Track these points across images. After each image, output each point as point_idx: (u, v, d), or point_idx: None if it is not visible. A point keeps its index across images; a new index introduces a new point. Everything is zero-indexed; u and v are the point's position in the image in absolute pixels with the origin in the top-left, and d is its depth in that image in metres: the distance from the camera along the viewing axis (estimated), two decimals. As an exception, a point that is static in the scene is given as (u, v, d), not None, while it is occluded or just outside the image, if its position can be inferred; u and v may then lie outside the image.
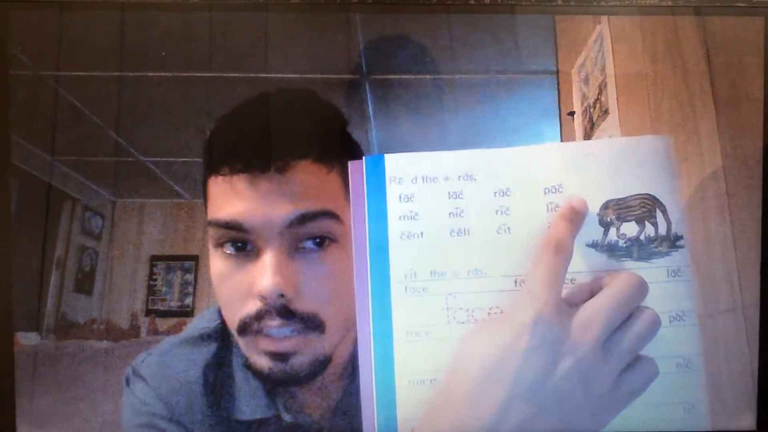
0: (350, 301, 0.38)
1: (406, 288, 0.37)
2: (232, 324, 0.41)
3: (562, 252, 0.34)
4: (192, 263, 0.49)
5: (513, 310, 0.32)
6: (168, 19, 0.50)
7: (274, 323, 0.39)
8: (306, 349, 0.40)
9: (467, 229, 0.37)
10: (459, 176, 0.38)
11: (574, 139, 0.51)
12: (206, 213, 0.43)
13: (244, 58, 0.50)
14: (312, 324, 0.40)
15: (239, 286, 0.40)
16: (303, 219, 0.39)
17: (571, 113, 0.51)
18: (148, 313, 0.49)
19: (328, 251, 0.40)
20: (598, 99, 0.50)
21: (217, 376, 0.43)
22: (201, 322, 0.46)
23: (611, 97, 0.49)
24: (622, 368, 0.33)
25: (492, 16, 0.50)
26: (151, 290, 0.49)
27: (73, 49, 0.50)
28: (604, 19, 0.50)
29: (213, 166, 0.42)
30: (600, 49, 0.50)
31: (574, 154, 0.39)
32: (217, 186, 0.42)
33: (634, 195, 0.38)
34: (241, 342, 0.41)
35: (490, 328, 0.33)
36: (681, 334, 0.37)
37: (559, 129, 0.50)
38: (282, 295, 0.39)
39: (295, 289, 0.39)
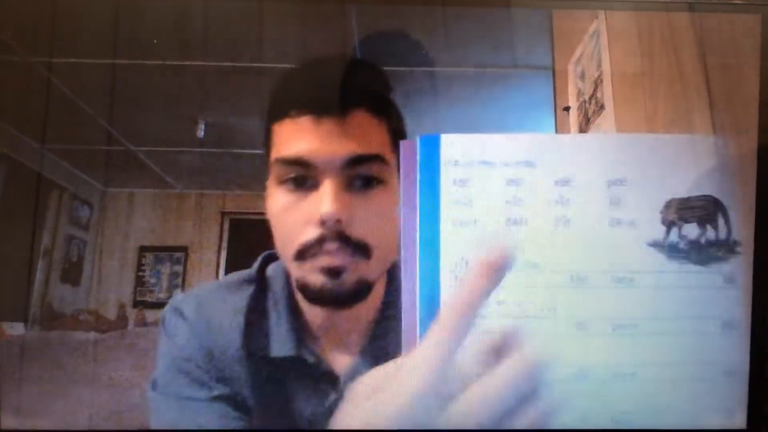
0: (391, 232, 0.43)
1: (456, 277, 0.35)
2: (290, 252, 0.44)
3: (464, 319, 0.31)
4: (181, 254, 0.48)
5: (398, 374, 0.31)
6: (162, 7, 0.50)
7: (332, 246, 0.43)
8: (354, 271, 0.44)
9: (524, 218, 0.36)
10: (518, 162, 0.36)
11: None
12: (269, 156, 0.46)
13: (239, 48, 0.50)
14: (361, 249, 0.44)
15: (300, 215, 0.44)
16: (359, 160, 0.44)
17: (567, 108, 0.51)
18: (136, 304, 0.48)
19: (376, 190, 0.45)
20: (593, 94, 0.50)
21: (252, 317, 0.46)
22: (237, 273, 0.48)
23: (607, 93, 0.49)
24: None
25: (488, 10, 0.49)
26: (139, 281, 0.48)
27: (64, 36, 0.50)
28: (601, 14, 0.50)
29: (280, 112, 0.45)
30: (596, 45, 0.50)
31: (639, 146, 0.37)
32: (283, 129, 0.45)
33: (698, 196, 0.37)
34: (295, 267, 0.44)
35: (378, 395, 0.32)
36: (731, 343, 0.37)
37: (554, 123, 0.50)
38: (339, 221, 0.43)
39: (349, 216, 0.43)
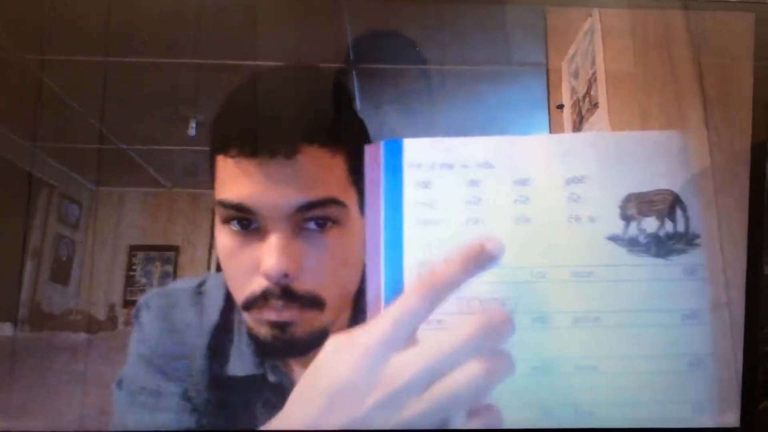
0: (348, 279, 0.41)
1: (419, 276, 0.36)
2: (237, 299, 0.43)
3: (434, 292, 0.31)
4: (172, 253, 0.48)
5: (360, 332, 0.31)
6: (153, 5, 0.49)
7: (277, 303, 0.41)
8: (305, 324, 0.42)
9: (484, 218, 0.37)
10: (478, 164, 0.37)
11: (562, 132, 0.51)
12: (214, 190, 0.44)
13: (231, 45, 0.49)
14: (311, 302, 0.41)
15: (245, 263, 0.42)
16: (309, 206, 0.41)
17: (560, 106, 0.51)
18: (126, 304, 0.48)
19: (330, 233, 0.42)
20: (587, 93, 0.50)
21: (216, 330, 0.44)
22: (213, 277, 0.47)
23: (601, 91, 0.49)
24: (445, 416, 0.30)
25: (482, 7, 0.49)
26: (129, 281, 0.48)
27: (54, 34, 0.49)
28: (595, 12, 0.50)
29: (222, 146, 0.43)
30: (590, 43, 0.50)
31: (597, 144, 0.38)
32: (226, 166, 0.42)
33: (656, 190, 0.38)
34: (245, 315, 0.43)
35: (342, 344, 0.32)
36: (693, 333, 0.37)
37: (548, 122, 0.50)
38: (286, 275, 0.41)
39: (298, 268, 0.41)
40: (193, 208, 0.50)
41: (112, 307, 0.48)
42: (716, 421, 0.43)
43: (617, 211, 0.37)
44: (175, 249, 0.48)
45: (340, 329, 0.42)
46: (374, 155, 0.36)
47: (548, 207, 0.37)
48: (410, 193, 0.36)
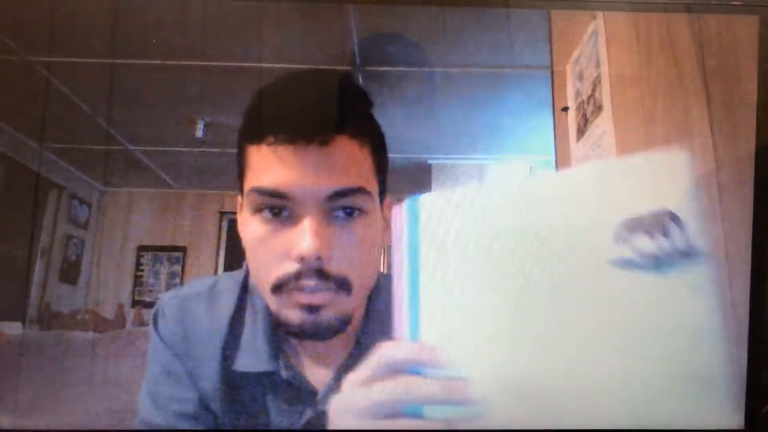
0: (372, 266, 0.44)
1: (433, 320, 0.37)
2: (267, 283, 0.43)
3: (388, 367, 0.33)
4: (180, 254, 0.48)
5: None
6: (161, 7, 0.50)
7: (310, 283, 0.42)
8: (334, 307, 0.43)
9: (495, 252, 0.38)
10: (491, 208, 0.38)
11: (567, 134, 0.51)
12: (243, 180, 0.44)
13: (238, 48, 0.50)
14: (342, 285, 0.43)
15: (277, 249, 0.43)
16: (341, 194, 0.42)
17: (565, 109, 0.51)
18: (135, 304, 0.48)
19: (357, 221, 0.43)
20: (592, 95, 0.50)
21: (230, 329, 0.45)
22: (228, 276, 0.48)
23: (605, 94, 0.49)
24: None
25: (487, 10, 0.49)
26: (137, 281, 0.48)
27: (62, 36, 0.50)
28: (599, 15, 0.50)
29: (257, 135, 0.43)
30: (594, 46, 0.50)
31: (594, 173, 0.39)
32: (260, 155, 0.43)
33: (653, 211, 0.38)
34: (273, 300, 0.44)
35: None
36: (702, 353, 0.37)
37: (552, 124, 0.50)
38: (319, 258, 0.42)
39: (330, 252, 0.42)
40: (200, 209, 0.51)
41: (120, 307, 0.48)
42: (720, 423, 0.43)
43: (616, 234, 0.38)
44: (182, 249, 0.49)
45: (358, 321, 0.45)
46: (397, 212, 0.38)
47: (554, 238, 0.38)
48: (426, 247, 0.38)
